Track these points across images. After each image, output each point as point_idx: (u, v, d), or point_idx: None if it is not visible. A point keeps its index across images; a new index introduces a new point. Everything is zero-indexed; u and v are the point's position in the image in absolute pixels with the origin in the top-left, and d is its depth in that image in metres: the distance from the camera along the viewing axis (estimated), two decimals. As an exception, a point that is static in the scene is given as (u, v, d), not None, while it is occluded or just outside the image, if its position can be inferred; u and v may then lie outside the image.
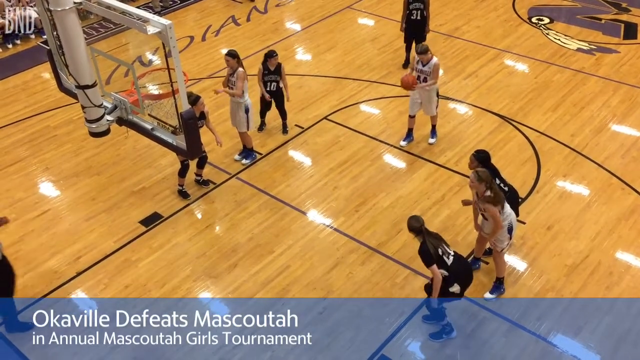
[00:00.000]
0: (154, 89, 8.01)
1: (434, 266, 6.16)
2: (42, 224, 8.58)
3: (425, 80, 9.03)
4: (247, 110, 9.07)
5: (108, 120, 5.81)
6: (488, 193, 6.59)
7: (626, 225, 8.08)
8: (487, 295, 7.21)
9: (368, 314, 7.10)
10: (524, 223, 8.15)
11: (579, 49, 12.08)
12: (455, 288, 6.33)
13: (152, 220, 8.53)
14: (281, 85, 9.60)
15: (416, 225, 6.25)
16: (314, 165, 9.47)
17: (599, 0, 13.92)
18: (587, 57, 11.81)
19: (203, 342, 6.80)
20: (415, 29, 11.08)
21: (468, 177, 8.34)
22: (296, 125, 10.28)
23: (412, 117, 9.58)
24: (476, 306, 7.12)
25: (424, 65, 9.00)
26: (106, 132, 5.85)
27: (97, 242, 8.24)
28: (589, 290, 7.25)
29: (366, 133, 10.02)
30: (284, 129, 10.07)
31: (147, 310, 7.22)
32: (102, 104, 5.71)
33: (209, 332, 6.90)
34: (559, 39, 12.46)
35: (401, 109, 10.54)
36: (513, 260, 7.69)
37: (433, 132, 9.70)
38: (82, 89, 5.41)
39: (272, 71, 9.43)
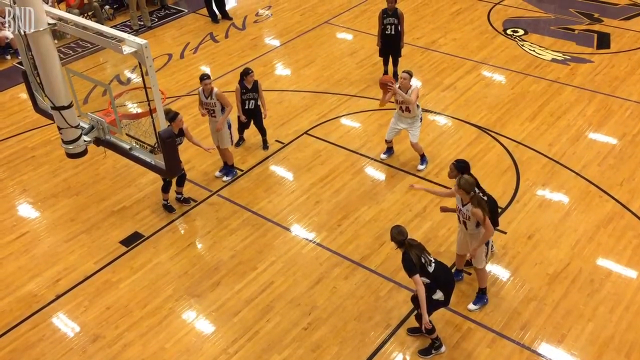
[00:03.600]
0: (131, 108, 7.98)
1: (417, 276, 6.16)
2: (21, 247, 8.46)
3: (408, 109, 8.98)
4: (229, 126, 9.07)
5: (85, 141, 5.74)
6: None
7: (605, 232, 8.18)
8: (471, 306, 7.23)
9: (353, 328, 7.08)
10: (504, 233, 8.21)
11: (553, 60, 12.26)
12: (439, 295, 6.34)
13: (132, 240, 8.45)
14: (259, 102, 9.59)
15: (400, 239, 6.25)
16: (295, 180, 9.47)
17: (572, 12, 14.18)
18: (562, 67, 12.00)
19: (187, 363, 6.75)
20: (390, 44, 11.19)
21: (448, 188, 8.41)
22: (276, 140, 10.28)
23: (388, 141, 9.61)
24: (460, 317, 7.14)
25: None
26: (83, 153, 5.78)
27: (77, 263, 8.13)
28: (571, 298, 7.30)
29: (347, 147, 10.06)
30: (264, 145, 10.07)
31: (130, 330, 7.17)
32: (78, 125, 5.65)
33: (191, 352, 6.85)
34: (533, 50, 12.64)
35: (381, 122, 10.60)
36: (495, 270, 7.73)
37: (423, 159, 9.51)
38: (58, 109, 5.35)
39: (249, 89, 9.42)
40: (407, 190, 9.09)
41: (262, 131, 10.02)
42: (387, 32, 11.00)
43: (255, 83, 9.44)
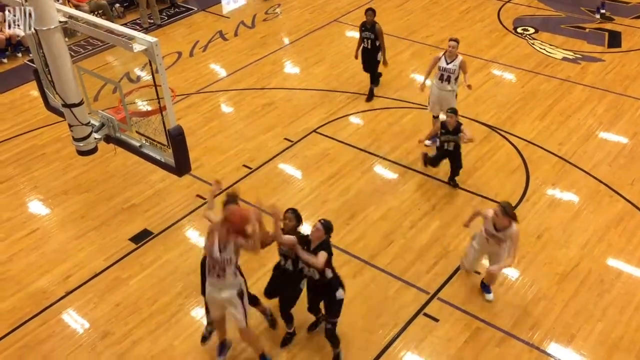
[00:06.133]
0: (141, 106, 8.01)
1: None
2: (31, 244, 8.51)
3: (448, 79, 9.15)
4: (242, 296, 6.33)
5: (96, 139, 5.78)
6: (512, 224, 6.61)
7: (615, 232, 8.13)
8: (489, 296, 7.35)
9: (361, 326, 7.07)
10: (514, 232, 8.17)
11: (564, 58, 12.20)
12: (340, 293, 6.26)
13: (142, 237, 8.48)
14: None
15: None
16: (303, 178, 9.47)
17: (583, 10, 14.09)
18: (573, 66, 11.93)
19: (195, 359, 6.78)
20: (365, 57, 10.94)
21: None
22: (285, 138, 10.28)
23: (435, 117, 9.70)
24: (469, 316, 7.12)
25: (448, 63, 9.09)
26: (94, 151, 5.81)
27: (86, 260, 8.18)
28: (580, 298, 7.27)
29: (355, 145, 10.05)
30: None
31: (139, 328, 7.21)
32: (89, 122, 5.68)
33: (199, 349, 6.87)
34: (544, 49, 12.58)
35: (390, 120, 10.59)
36: (504, 270, 7.69)
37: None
38: (69, 107, 5.38)
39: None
40: (415, 188, 9.08)
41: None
42: (364, 45, 10.75)
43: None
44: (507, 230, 6.60)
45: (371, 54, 10.82)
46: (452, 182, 9.03)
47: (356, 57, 11.04)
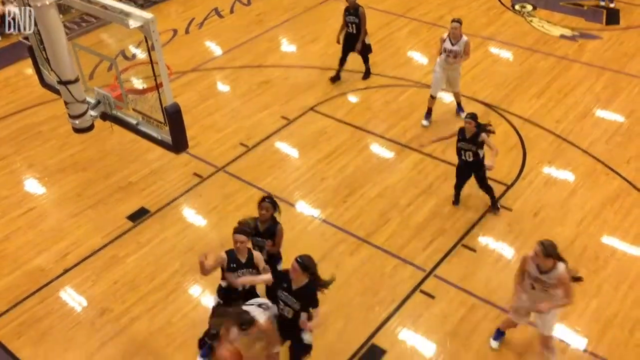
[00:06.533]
0: (137, 83, 7.97)
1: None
2: (28, 222, 8.51)
3: (454, 59, 9.19)
4: None
5: (92, 116, 5.74)
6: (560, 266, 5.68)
7: (611, 210, 8.17)
8: None
9: (358, 303, 7.13)
10: (510, 210, 8.21)
11: (562, 36, 12.13)
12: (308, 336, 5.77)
13: (139, 215, 8.49)
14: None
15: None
16: (300, 157, 9.47)
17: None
18: (571, 43, 11.87)
19: (191, 336, 6.81)
20: (350, 43, 10.64)
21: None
22: (282, 116, 10.25)
23: (433, 98, 9.68)
24: (465, 293, 7.17)
25: (453, 45, 9.08)
26: (90, 128, 5.78)
27: (84, 238, 8.19)
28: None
29: (352, 123, 10.02)
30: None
31: (137, 305, 7.25)
32: (85, 100, 5.64)
33: (199, 327, 6.91)
34: (542, 26, 12.50)
35: (387, 98, 10.55)
36: (501, 247, 7.75)
37: (460, 107, 9.92)
38: (64, 84, 5.34)
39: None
40: (412, 166, 9.08)
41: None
42: (348, 30, 10.45)
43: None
44: (553, 273, 5.66)
45: (357, 39, 10.52)
46: (494, 208, 8.16)
47: (338, 42, 10.73)
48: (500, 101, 10.32)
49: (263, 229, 6.38)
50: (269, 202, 6.28)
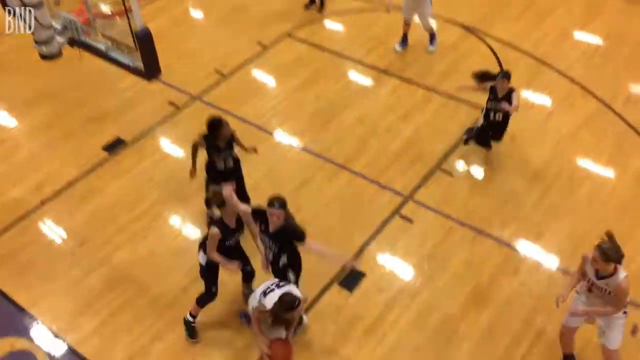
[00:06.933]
0: (105, 8, 7.65)
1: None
2: (0, 154, 8.34)
3: None
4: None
5: (59, 42, 5.55)
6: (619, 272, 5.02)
7: (587, 131, 8.24)
8: None
9: (337, 229, 7.20)
10: (488, 134, 8.24)
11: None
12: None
13: (115, 146, 8.37)
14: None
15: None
16: (278, 84, 9.31)
17: None
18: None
19: (174, 265, 6.88)
20: None
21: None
22: (258, 42, 10.00)
23: (407, 23, 9.42)
24: (443, 217, 7.28)
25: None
26: (57, 55, 5.61)
27: (59, 169, 8.07)
28: (551, 196, 7.45)
29: (330, 49, 9.83)
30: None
31: (117, 235, 7.25)
32: (51, 25, 5.43)
33: (182, 256, 6.97)
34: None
35: (366, 23, 10.32)
36: (478, 171, 7.83)
37: (432, 39, 9.58)
38: (27, 7, 5.12)
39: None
40: (390, 92, 9.01)
41: None
42: None
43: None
44: (612, 279, 5.01)
45: None
46: (490, 144, 7.81)
47: None
48: (478, 24, 10.15)
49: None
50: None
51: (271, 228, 5.50)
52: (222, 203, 5.44)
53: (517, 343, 6.06)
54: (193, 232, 7.26)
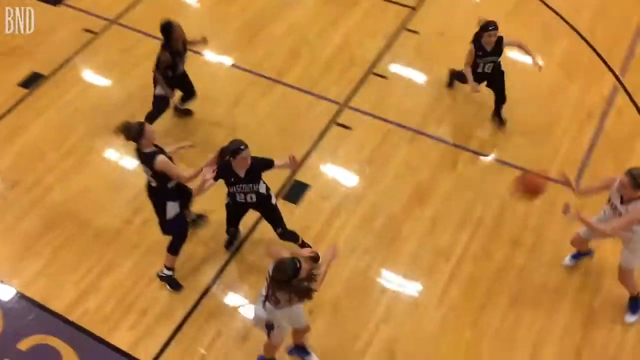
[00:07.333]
0: None
1: None
2: None
3: None
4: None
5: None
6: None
7: (514, 20, 8.21)
8: (629, 317, 5.61)
9: (277, 144, 7.10)
10: (417, 33, 8.17)
11: None
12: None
13: (32, 81, 7.89)
14: None
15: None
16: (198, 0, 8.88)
17: None
18: None
19: (114, 198, 6.72)
20: None
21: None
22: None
23: None
24: (380, 121, 7.29)
25: None
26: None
27: (-25, 112, 7.61)
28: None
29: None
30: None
31: (48, 173, 6.97)
32: None
33: (121, 188, 6.80)
34: None
35: None
36: (410, 72, 7.80)
37: None
38: None
39: None
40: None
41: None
42: None
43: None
44: (632, 204, 4.81)
45: None
46: (497, 117, 7.12)
47: None
48: None
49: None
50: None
51: (242, 172, 5.36)
52: (138, 136, 5.22)
53: (459, 232, 6.29)
54: (130, 163, 7.04)
